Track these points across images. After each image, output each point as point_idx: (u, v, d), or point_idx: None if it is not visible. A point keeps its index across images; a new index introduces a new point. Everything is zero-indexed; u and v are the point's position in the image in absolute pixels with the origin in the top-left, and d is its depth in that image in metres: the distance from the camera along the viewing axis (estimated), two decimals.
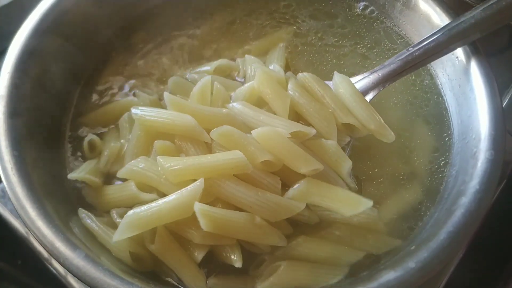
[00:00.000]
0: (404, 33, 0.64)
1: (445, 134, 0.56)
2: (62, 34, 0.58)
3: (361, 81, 0.55)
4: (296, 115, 0.53)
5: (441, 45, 0.53)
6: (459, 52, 0.56)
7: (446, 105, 0.58)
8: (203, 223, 0.44)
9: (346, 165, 0.50)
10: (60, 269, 0.60)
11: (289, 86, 0.53)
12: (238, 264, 0.45)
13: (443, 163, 0.55)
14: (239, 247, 0.47)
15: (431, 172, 0.54)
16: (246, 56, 0.60)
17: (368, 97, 0.55)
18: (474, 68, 0.53)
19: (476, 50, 0.54)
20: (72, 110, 0.60)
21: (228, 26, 0.66)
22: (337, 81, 0.54)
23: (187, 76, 0.61)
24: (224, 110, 0.51)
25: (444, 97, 0.59)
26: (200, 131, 0.49)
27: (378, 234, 0.50)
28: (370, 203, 0.47)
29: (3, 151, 0.48)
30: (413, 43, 0.63)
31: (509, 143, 0.65)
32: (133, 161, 0.50)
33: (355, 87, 0.54)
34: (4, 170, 0.47)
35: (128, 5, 0.65)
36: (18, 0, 0.89)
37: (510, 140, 0.66)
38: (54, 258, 0.42)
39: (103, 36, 0.64)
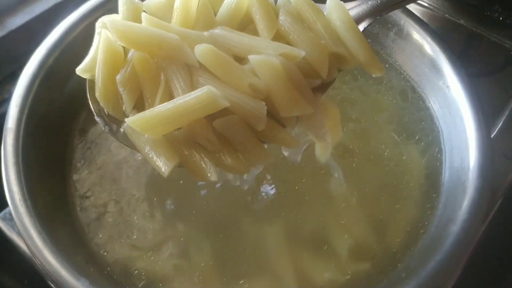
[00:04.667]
0: (398, 63, 0.66)
1: (437, 161, 0.58)
2: (71, 66, 0.60)
3: (358, 7, 0.53)
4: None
5: None
6: (450, 82, 0.57)
7: (440, 133, 0.60)
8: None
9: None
10: None
11: (281, 11, 0.50)
12: (213, 177, 0.44)
13: (433, 190, 0.56)
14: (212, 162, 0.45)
15: (421, 198, 0.56)
16: None
17: (363, 25, 0.52)
18: (463, 98, 0.55)
19: (465, 80, 0.56)
20: (74, 141, 0.62)
21: None
22: (331, 7, 0.51)
23: None
24: (205, 33, 0.48)
25: (437, 124, 0.61)
26: (188, 53, 0.45)
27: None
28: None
29: (11, 183, 0.50)
30: (405, 71, 0.65)
31: (503, 166, 0.67)
32: None
33: (349, 15, 0.50)
34: (13, 201, 0.49)
35: None
36: (26, 24, 0.93)
37: (505, 162, 0.68)
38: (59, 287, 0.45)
39: None
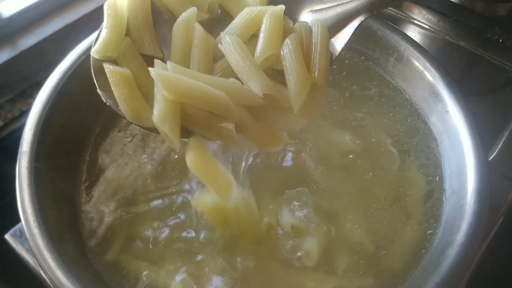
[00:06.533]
0: (400, 86, 0.68)
1: (436, 184, 0.60)
2: (83, 90, 0.62)
3: (349, 3, 0.52)
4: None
5: None
6: (449, 107, 0.59)
7: (439, 156, 0.61)
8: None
9: None
10: None
11: (290, 35, 0.50)
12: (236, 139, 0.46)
13: (433, 213, 0.58)
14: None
15: (422, 221, 0.57)
16: None
17: (360, 19, 0.51)
18: (461, 123, 0.57)
19: (463, 105, 0.58)
20: (85, 163, 0.64)
21: None
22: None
23: None
24: (231, 79, 0.48)
25: (438, 148, 0.62)
26: (234, 111, 0.46)
27: None
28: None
29: (26, 205, 0.52)
30: (408, 94, 0.67)
31: (503, 186, 0.68)
32: None
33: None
34: (27, 222, 0.51)
35: None
36: (38, 44, 0.96)
37: (504, 183, 0.69)
38: None
39: None
